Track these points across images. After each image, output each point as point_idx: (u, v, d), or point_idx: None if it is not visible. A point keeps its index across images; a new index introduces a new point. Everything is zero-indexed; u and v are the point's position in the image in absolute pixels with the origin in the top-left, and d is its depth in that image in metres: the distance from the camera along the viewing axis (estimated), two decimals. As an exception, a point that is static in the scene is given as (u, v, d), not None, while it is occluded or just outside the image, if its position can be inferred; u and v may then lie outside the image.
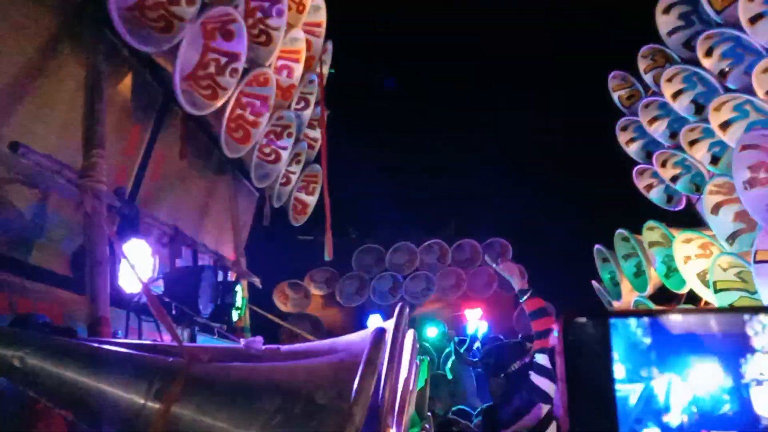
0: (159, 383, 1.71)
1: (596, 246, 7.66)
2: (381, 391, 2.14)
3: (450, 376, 8.89)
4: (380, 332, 1.72)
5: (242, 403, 1.64)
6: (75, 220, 3.58)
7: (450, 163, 11.24)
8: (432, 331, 10.24)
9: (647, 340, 0.65)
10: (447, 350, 9.58)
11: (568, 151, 9.78)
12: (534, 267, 10.56)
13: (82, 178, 3.28)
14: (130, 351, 1.94)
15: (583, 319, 0.67)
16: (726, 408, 0.64)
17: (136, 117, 4.52)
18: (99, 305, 3.14)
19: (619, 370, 0.64)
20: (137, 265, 3.67)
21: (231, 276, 5.86)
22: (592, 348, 0.65)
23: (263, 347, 2.21)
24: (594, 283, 7.97)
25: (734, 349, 0.65)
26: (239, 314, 5.07)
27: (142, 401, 1.69)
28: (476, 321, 10.43)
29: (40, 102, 3.53)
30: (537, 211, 10.01)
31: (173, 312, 4.14)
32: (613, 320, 0.67)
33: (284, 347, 2.28)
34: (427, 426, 4.28)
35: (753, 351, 0.65)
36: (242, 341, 2.25)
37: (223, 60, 4.28)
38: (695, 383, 0.65)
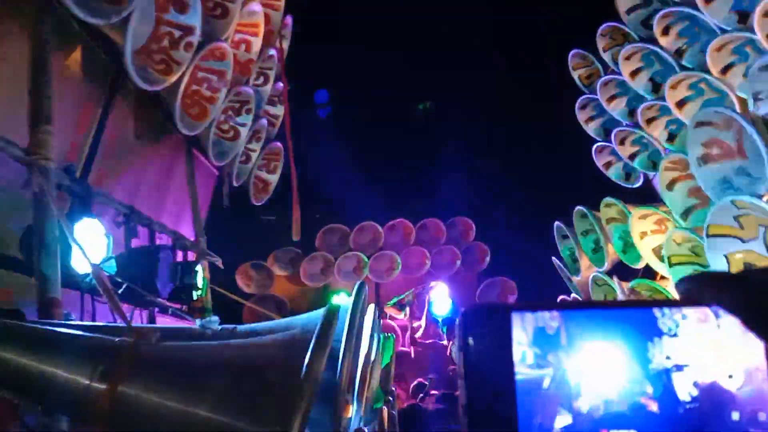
0: (105, 364, 1.67)
1: (556, 223, 7.77)
2: (339, 367, 2.13)
3: None
4: (332, 309, 1.70)
5: (191, 381, 1.61)
6: (23, 199, 3.45)
7: (414, 142, 11.23)
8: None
9: (555, 324, 0.64)
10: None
11: (529, 129, 9.86)
12: (496, 245, 10.75)
13: (28, 155, 3.15)
14: (77, 332, 1.88)
15: (483, 314, 0.66)
16: (634, 393, 0.64)
17: (87, 92, 4.38)
18: (49, 287, 3.04)
19: (528, 356, 0.63)
20: (89, 245, 3.58)
21: (191, 256, 5.77)
22: (492, 343, 0.64)
23: (219, 327, 2.18)
24: (554, 259, 8.10)
25: (641, 333, 0.65)
26: (200, 295, 5.00)
27: (86, 382, 1.64)
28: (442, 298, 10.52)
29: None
30: (499, 190, 10.10)
31: (128, 293, 4.06)
32: (515, 313, 0.66)
33: (241, 327, 2.25)
34: (390, 399, 4.32)
35: (660, 334, 0.65)
36: (197, 321, 2.21)
37: (177, 33, 4.15)
38: (603, 367, 0.65)
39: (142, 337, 1.77)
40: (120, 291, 3.60)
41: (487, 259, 10.81)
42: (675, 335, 0.66)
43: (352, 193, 10.00)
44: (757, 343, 0.62)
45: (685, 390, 0.66)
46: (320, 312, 1.99)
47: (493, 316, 0.66)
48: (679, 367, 0.66)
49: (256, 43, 5.32)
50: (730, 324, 0.63)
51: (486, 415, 0.64)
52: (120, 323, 2.35)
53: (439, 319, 10.34)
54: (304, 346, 1.59)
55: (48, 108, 3.36)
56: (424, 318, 10.37)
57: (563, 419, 0.64)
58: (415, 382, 7.75)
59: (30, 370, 1.70)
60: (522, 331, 0.64)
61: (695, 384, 0.66)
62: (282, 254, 10.55)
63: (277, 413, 1.47)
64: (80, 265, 3.41)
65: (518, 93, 9.42)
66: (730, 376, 0.66)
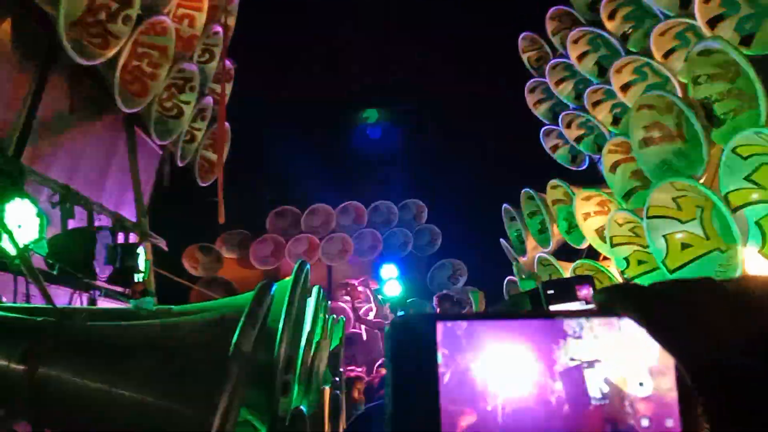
0: (25, 345, 1.59)
1: (504, 205, 7.88)
2: (276, 348, 2.09)
3: None
4: (264, 286, 1.66)
5: (116, 361, 1.55)
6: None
7: (366, 125, 11.19)
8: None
9: (464, 325, 0.64)
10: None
11: (480, 112, 9.93)
12: (447, 227, 10.85)
13: (-50, 130, 2.98)
14: (-3, 313, 1.79)
15: (410, 324, 0.66)
16: (539, 393, 0.64)
17: (19, 66, 4.16)
18: (-26, 268, 2.90)
19: (438, 358, 0.62)
20: (20, 226, 3.42)
21: (133, 238, 5.60)
22: (418, 351, 0.64)
23: (154, 307, 2.11)
24: (502, 240, 8.22)
25: (548, 334, 0.65)
26: (142, 277, 4.86)
27: (5, 363, 1.56)
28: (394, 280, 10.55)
29: None
30: (450, 172, 10.16)
31: (65, 276, 3.91)
32: (438, 319, 0.66)
33: (176, 307, 2.19)
34: (336, 380, 4.30)
35: (565, 336, 0.65)
36: (131, 302, 2.14)
37: (115, 6, 3.99)
38: (507, 368, 0.64)
39: (66, 317, 1.70)
40: (54, 273, 3.46)
41: (439, 241, 10.90)
42: (579, 337, 0.67)
43: (304, 175, 9.91)
44: (662, 351, 0.63)
45: (595, 387, 0.66)
46: (253, 291, 1.95)
47: (420, 326, 0.66)
48: (590, 364, 0.67)
49: (200, 18, 5.17)
50: (635, 330, 0.64)
51: (410, 421, 0.64)
52: (47, 305, 2.26)
53: (390, 301, 10.39)
54: (233, 325, 1.56)
55: (-28, 81, 3.18)
56: (374, 300, 10.41)
57: (468, 419, 0.64)
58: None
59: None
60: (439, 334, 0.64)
61: (605, 381, 0.67)
62: (231, 236, 10.39)
63: (203, 392, 1.42)
64: (11, 246, 3.26)
65: (468, 75, 9.46)
66: (641, 384, 0.67)
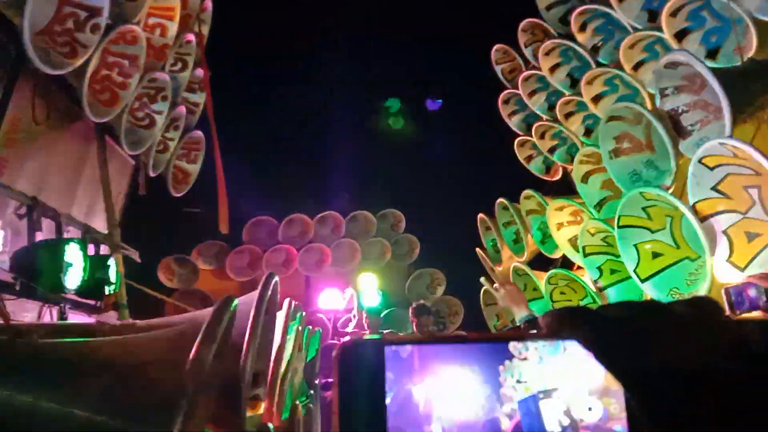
0: (-24, 364, 1.55)
1: (479, 215, 7.92)
2: (240, 362, 2.06)
3: None
4: (224, 301, 1.64)
5: (69, 380, 1.52)
6: None
7: (342, 135, 11.18)
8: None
9: (409, 348, 0.64)
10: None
11: (456, 124, 9.99)
12: (425, 236, 10.87)
13: None
14: (-52, 330, 1.74)
15: (359, 349, 0.66)
16: (486, 414, 0.64)
17: (-17, 75, 4.09)
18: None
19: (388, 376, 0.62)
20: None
21: (105, 250, 5.51)
22: (366, 372, 0.64)
23: (118, 323, 2.07)
24: (478, 250, 8.25)
25: (493, 356, 0.65)
26: (113, 290, 4.78)
27: (-47, 384, 1.52)
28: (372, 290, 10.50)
29: None
30: (427, 182, 10.19)
31: (32, 289, 3.83)
32: (387, 346, 0.66)
33: (140, 322, 2.16)
34: (312, 392, 4.26)
35: (510, 357, 0.65)
36: (94, 318, 2.10)
37: (83, 15, 3.94)
38: (455, 390, 0.64)
39: (21, 335, 1.66)
40: (17, 288, 3.39)
41: (417, 250, 10.90)
42: (525, 359, 0.67)
43: (280, 184, 9.85)
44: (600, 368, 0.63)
45: (553, 420, 0.66)
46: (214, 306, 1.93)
47: (368, 350, 0.66)
48: (546, 394, 0.67)
49: (172, 27, 5.13)
50: (580, 352, 0.64)
51: None
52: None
53: (367, 311, 10.35)
54: (192, 340, 1.53)
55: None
56: (355, 310, 10.34)
57: None
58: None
59: None
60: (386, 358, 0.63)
61: (565, 413, 0.67)
62: (207, 248, 10.28)
63: (158, 411, 1.39)
64: (-29, 259, 3.19)
65: (444, 87, 9.52)
66: (590, 408, 0.67)
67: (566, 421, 0.65)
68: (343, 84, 10.50)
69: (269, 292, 2.45)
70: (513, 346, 0.65)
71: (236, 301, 1.85)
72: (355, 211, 10.97)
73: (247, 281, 10.56)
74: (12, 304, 3.82)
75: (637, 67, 5.31)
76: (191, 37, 5.66)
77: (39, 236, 4.22)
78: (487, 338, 0.67)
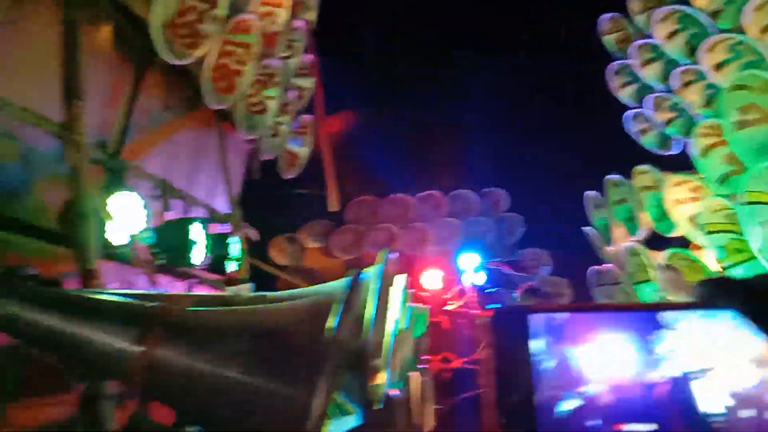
0: (139, 329, 1.73)
1: (588, 192, 7.67)
2: (368, 334, 2.17)
3: None
4: (357, 275, 1.74)
5: (219, 345, 1.66)
6: (59, 174, 3.56)
7: (446, 112, 11.13)
8: None
9: (562, 316, 0.67)
10: None
11: (563, 97, 9.69)
12: (530, 215, 10.66)
13: (64, 131, 3.25)
14: (113, 299, 1.95)
15: (509, 316, 0.71)
16: (638, 378, 0.67)
17: (118, 68, 4.45)
18: (87, 258, 3.16)
19: (539, 344, 0.67)
20: (127, 218, 3.68)
21: (226, 229, 5.87)
22: (515, 337, 0.69)
23: (251, 294, 2.24)
24: (586, 229, 8.01)
25: (644, 324, 0.68)
26: (238, 265, 5.11)
27: (123, 346, 1.71)
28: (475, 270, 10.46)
29: (17, 55, 3.46)
30: (532, 159, 9.98)
31: (165, 265, 4.17)
32: (531, 314, 0.70)
33: (269, 294, 2.31)
34: (421, 368, 4.37)
35: (659, 327, 0.67)
36: (229, 289, 2.27)
37: (203, 7, 4.19)
38: (608, 355, 0.68)
39: (173, 303, 1.84)
40: (158, 262, 3.71)
41: (521, 229, 10.72)
42: (675, 329, 0.69)
43: (382, 164, 10.00)
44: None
45: (703, 390, 0.68)
46: (346, 279, 2.04)
47: (516, 317, 0.71)
48: (699, 373, 0.68)
49: (282, 14, 5.33)
50: (734, 322, 0.65)
51: (511, 401, 0.69)
52: (152, 291, 2.44)
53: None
54: (328, 311, 1.63)
55: (80, 85, 3.44)
56: (458, 289, 10.35)
57: (571, 403, 0.68)
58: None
59: (70, 335, 1.77)
60: (536, 324, 0.67)
61: (716, 385, 0.68)
62: (314, 227, 10.65)
63: (304, 376, 1.51)
64: (117, 237, 3.51)
65: (550, 59, 9.24)
66: (744, 376, 0.68)
67: (719, 402, 0.66)
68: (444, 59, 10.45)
69: (388, 268, 2.54)
70: (664, 316, 0.66)
71: (366, 275, 1.95)
72: (457, 189, 10.94)
73: (352, 259, 10.86)
74: (142, 278, 4.18)
75: (765, 31, 4.92)
76: (300, 23, 5.85)
77: (168, 216, 4.56)
78: (638, 307, 0.69)
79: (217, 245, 4.69)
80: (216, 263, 4.75)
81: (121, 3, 3.93)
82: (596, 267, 7.85)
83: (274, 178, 7.02)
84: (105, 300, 1.97)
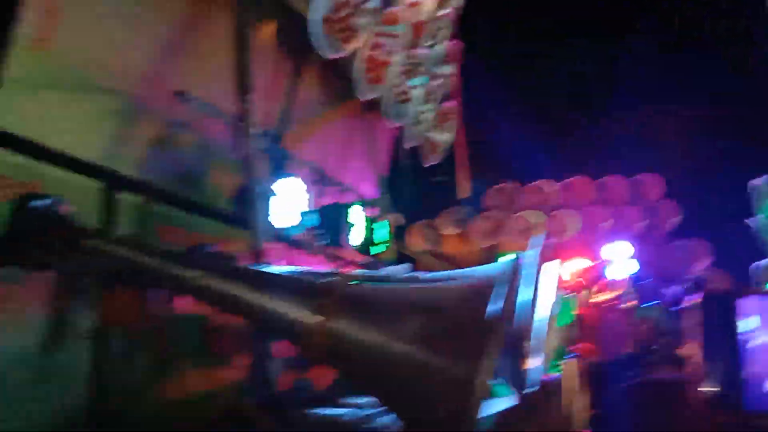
0: (317, 300, 1.89)
1: (754, 181, 7.02)
2: (520, 318, 2.21)
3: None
4: (518, 260, 1.79)
5: (390, 319, 1.79)
6: (233, 161, 3.92)
7: (593, 95, 10.67)
8: None
9: None
10: None
11: (725, 79, 8.92)
12: (687, 204, 9.90)
13: (237, 122, 3.56)
14: (291, 273, 2.16)
15: (717, 298, 0.75)
16: None
17: (280, 63, 4.78)
18: (258, 238, 3.46)
19: (747, 324, 0.69)
20: (291, 202, 3.98)
21: (373, 213, 6.12)
22: (724, 315, 0.73)
23: (405, 275, 2.36)
24: (750, 220, 7.35)
25: None
26: (384, 248, 5.34)
27: (302, 315, 1.89)
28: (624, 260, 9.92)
29: (197, 54, 3.86)
30: (689, 142, 9.30)
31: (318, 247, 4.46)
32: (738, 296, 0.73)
33: (424, 275, 2.41)
34: (567, 357, 4.30)
35: None
36: (385, 269, 2.41)
37: (355, 1, 4.37)
38: None
39: (346, 278, 1.99)
40: (316, 243, 3.98)
41: (677, 219, 10.02)
42: None
43: (524, 150, 9.81)
44: None
45: None
46: (502, 262, 2.09)
47: (725, 300, 0.74)
48: None
49: (428, 3, 5.41)
50: None
51: (721, 379, 0.73)
52: (323, 268, 2.64)
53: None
54: (491, 291, 1.69)
55: (250, 80, 3.75)
56: (604, 282, 9.90)
57: None
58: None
59: (256, 303, 1.98)
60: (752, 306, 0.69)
61: None
62: (451, 213, 10.71)
63: (469, 352, 1.58)
64: (282, 219, 3.82)
65: (712, 35, 8.54)
66: None
67: None
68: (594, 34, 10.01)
69: (544, 253, 2.55)
70: None
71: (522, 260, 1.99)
72: (605, 175, 10.46)
73: (490, 246, 10.80)
74: (304, 259, 4.50)
75: None
76: (445, 12, 5.90)
77: (325, 201, 4.86)
78: None
79: (370, 228, 4.94)
80: (365, 246, 4.99)
81: (283, 2, 4.21)
82: (761, 262, 7.20)
83: (410, 165, 7.14)
84: (284, 274, 2.18)
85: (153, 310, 2.30)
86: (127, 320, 2.49)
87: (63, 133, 3.10)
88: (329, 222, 4.44)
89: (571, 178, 10.35)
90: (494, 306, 1.64)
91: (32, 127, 2.93)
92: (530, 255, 2.28)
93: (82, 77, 3.16)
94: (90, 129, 3.29)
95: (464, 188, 6.46)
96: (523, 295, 2.17)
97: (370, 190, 6.28)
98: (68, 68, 3.05)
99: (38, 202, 2.09)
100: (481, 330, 1.63)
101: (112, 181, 3.42)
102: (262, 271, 2.17)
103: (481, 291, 1.75)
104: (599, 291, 9.48)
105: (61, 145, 3.08)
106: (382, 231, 4.90)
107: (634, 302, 8.87)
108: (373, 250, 4.90)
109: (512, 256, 2.02)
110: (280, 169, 4.08)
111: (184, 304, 2.60)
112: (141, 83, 3.51)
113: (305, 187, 3.99)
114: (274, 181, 3.94)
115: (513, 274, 1.83)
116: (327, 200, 4.85)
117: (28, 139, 2.91)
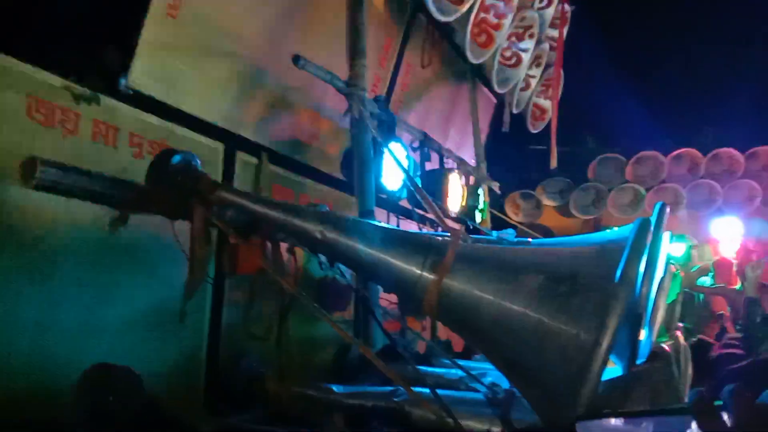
0: (433, 257, 1.94)
1: None
2: (639, 287, 2.16)
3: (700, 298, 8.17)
4: (645, 222, 1.75)
5: (507, 278, 1.80)
6: (343, 125, 4.03)
7: (705, 64, 9.94)
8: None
9: None
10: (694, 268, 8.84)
11: None
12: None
13: (349, 87, 3.64)
14: (407, 231, 2.22)
15: None
16: None
17: (389, 29, 4.81)
18: (366, 200, 3.56)
19: None
20: (396, 166, 4.04)
21: (471, 180, 6.09)
22: None
23: (515, 239, 2.36)
24: None
25: None
26: (482, 216, 5.33)
27: (419, 271, 1.94)
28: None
29: (312, 19, 3.96)
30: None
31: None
32: None
33: (533, 240, 2.40)
34: (678, 333, 4.15)
35: None
36: (494, 233, 2.42)
37: (465, -38, 4.30)
38: None
39: (459, 238, 2.02)
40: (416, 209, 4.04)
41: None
42: None
43: (632, 120, 9.35)
44: None
45: None
46: (627, 228, 2.04)
47: None
48: None
49: (541, -36, 5.24)
50: None
51: None
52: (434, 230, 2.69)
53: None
54: (615, 255, 1.67)
55: (362, 45, 3.81)
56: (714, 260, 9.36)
57: None
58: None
59: (373, 257, 2.04)
60: None
61: None
62: (552, 184, 10.44)
63: (593, 315, 1.57)
64: (389, 182, 3.90)
65: None
66: None
67: None
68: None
69: (664, 221, 2.47)
70: None
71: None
72: (717, 148, 9.80)
73: (590, 219, 10.48)
74: (408, 224, 4.58)
75: None
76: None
77: (428, 166, 4.89)
78: None
79: (469, 195, 4.93)
80: (467, 213, 5.00)
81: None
82: None
83: (511, 133, 7.00)
84: (401, 231, 2.25)
85: (273, 261, 2.44)
86: (249, 269, 2.65)
87: (190, 95, 3.31)
88: (430, 187, 4.48)
89: (681, 150, 9.78)
90: (624, 267, 1.62)
91: (163, 89, 3.15)
92: (654, 221, 2.22)
93: (208, 42, 3.34)
94: (215, 92, 3.48)
95: (553, 158, 6.28)
96: (642, 264, 2.13)
97: (468, 156, 6.25)
98: (196, 34, 3.22)
99: (178, 157, 2.25)
100: (607, 293, 1.61)
101: (233, 142, 3.63)
102: (379, 227, 2.23)
103: (607, 253, 1.73)
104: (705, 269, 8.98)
105: (188, 107, 3.31)
106: (480, 198, 4.89)
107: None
108: (472, 218, 4.90)
109: (643, 218, 1.95)
110: (388, 134, 4.14)
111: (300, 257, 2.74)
112: (261, 48, 3.66)
113: (407, 151, 4.03)
114: (382, 145, 4.02)
115: (643, 234, 1.77)
116: (429, 166, 4.89)
117: (160, 100, 3.15)
